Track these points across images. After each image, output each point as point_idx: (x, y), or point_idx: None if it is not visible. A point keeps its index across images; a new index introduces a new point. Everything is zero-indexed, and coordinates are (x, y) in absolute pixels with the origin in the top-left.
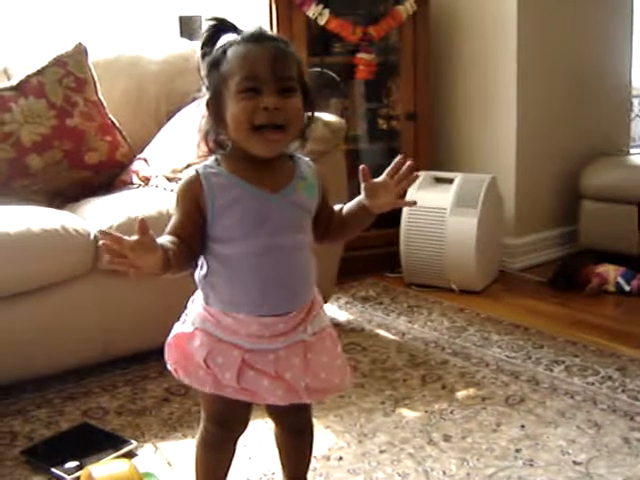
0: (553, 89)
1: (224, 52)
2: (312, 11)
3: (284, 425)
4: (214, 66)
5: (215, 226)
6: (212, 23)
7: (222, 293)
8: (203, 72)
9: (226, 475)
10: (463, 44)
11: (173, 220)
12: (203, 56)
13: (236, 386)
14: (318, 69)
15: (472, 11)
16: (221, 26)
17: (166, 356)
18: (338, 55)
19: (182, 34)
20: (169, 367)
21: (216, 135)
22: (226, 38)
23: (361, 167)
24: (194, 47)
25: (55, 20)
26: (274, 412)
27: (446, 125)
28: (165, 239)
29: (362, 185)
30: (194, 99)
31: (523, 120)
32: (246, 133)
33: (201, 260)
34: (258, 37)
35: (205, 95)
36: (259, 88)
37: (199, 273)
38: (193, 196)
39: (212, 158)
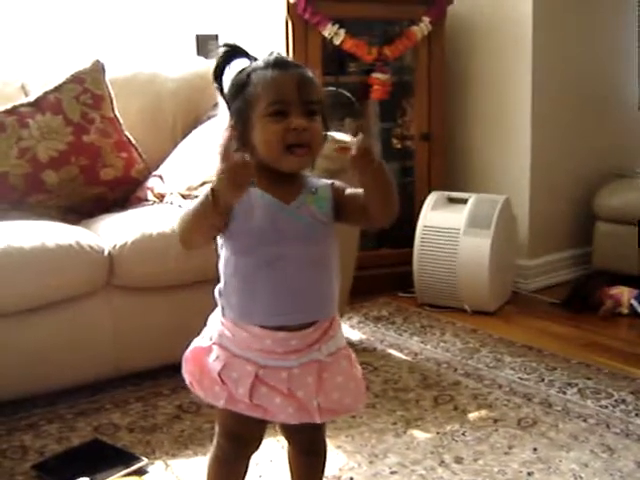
0: (568, 110)
1: (248, 76)
2: (328, 31)
3: (297, 444)
4: (239, 90)
5: (232, 230)
6: (225, 49)
7: (236, 303)
8: (225, 95)
9: None
10: (478, 65)
11: None
12: (216, 79)
13: (248, 402)
14: (333, 88)
15: (486, 32)
16: (234, 52)
17: (183, 369)
18: (353, 75)
19: (199, 53)
20: (186, 381)
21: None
22: (238, 63)
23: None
24: (210, 66)
25: (73, 37)
26: (287, 431)
27: (460, 145)
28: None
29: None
30: (209, 117)
31: (537, 141)
32: (278, 153)
33: (219, 273)
34: (283, 64)
35: (220, 115)
36: (287, 111)
37: (218, 287)
38: None
39: None
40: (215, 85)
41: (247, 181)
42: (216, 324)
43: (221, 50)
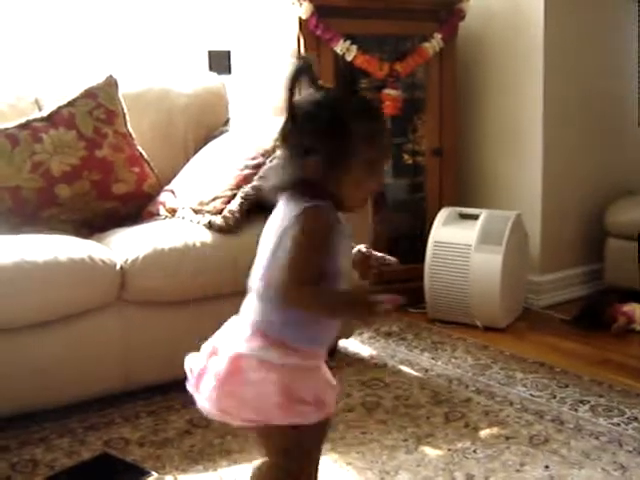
0: (579, 127)
1: (344, 118)
2: (340, 47)
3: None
4: (333, 131)
5: (329, 258)
6: (299, 65)
7: (314, 331)
8: (309, 120)
9: None
10: (489, 81)
11: (316, 261)
12: (290, 93)
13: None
14: None
15: (498, 48)
16: (303, 71)
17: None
18: (365, 91)
19: (211, 68)
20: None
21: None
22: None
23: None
24: (223, 81)
25: (86, 52)
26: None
27: (472, 161)
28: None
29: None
30: (221, 132)
31: (549, 157)
32: (362, 200)
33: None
34: (377, 114)
35: (232, 130)
36: (381, 165)
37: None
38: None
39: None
40: (285, 98)
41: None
42: (275, 357)
43: (296, 64)
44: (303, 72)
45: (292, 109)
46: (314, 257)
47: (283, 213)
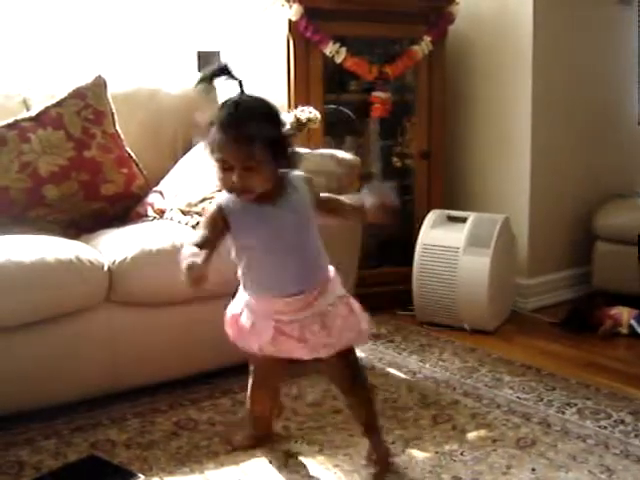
0: (568, 130)
1: (211, 124)
2: (329, 49)
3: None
4: (207, 131)
5: (236, 234)
6: (213, 68)
7: (249, 283)
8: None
9: (269, 409)
10: (478, 84)
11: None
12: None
13: (271, 348)
14: (334, 106)
15: (487, 51)
16: (219, 72)
17: (225, 328)
18: (354, 93)
19: (200, 69)
20: (230, 337)
21: None
22: (221, 80)
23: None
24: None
25: (75, 52)
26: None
27: (460, 164)
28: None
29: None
30: None
31: (537, 160)
32: (227, 192)
33: (236, 261)
34: (227, 126)
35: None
36: (230, 166)
37: (239, 271)
38: (221, 216)
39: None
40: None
41: (203, 282)
42: (243, 295)
43: (209, 68)
44: (215, 75)
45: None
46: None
47: None
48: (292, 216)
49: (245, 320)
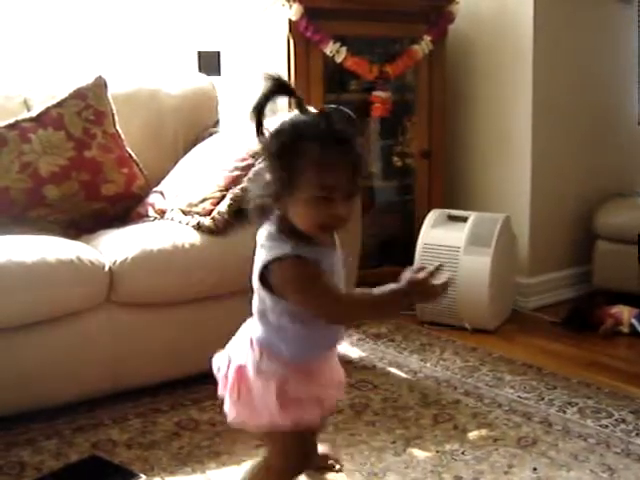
0: (568, 129)
1: (298, 141)
2: (329, 49)
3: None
4: (284, 151)
5: None
6: (270, 84)
7: (307, 344)
8: (263, 137)
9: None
10: (479, 83)
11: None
12: (256, 113)
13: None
14: (334, 106)
15: (488, 51)
16: (278, 88)
17: (274, 412)
18: (354, 92)
19: (200, 69)
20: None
21: (265, 204)
22: (279, 100)
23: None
24: (212, 82)
25: (76, 52)
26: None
27: (461, 163)
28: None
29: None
30: (211, 134)
31: (538, 159)
32: (314, 229)
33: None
34: (338, 140)
35: (222, 132)
36: (334, 196)
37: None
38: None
39: (270, 231)
40: (253, 120)
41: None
42: (276, 364)
43: (265, 84)
44: (275, 92)
45: (260, 130)
46: (314, 280)
47: (261, 244)
48: (341, 261)
49: (298, 388)
